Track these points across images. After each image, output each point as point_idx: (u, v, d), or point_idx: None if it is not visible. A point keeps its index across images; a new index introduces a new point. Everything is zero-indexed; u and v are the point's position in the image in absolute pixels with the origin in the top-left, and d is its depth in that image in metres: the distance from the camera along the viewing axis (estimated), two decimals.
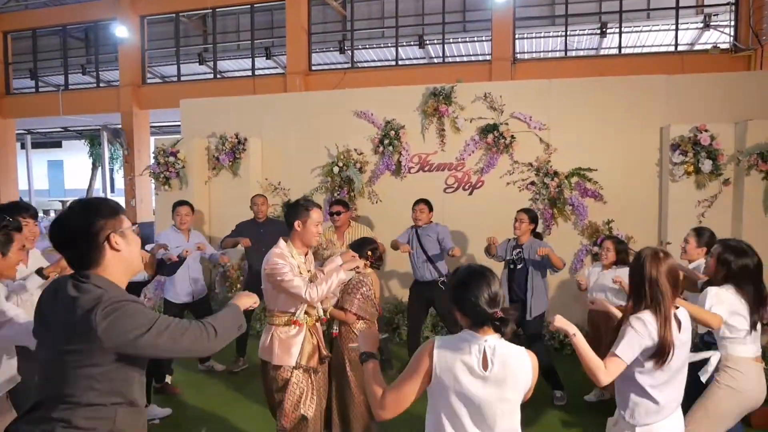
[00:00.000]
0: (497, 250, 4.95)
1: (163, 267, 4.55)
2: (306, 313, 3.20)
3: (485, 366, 1.85)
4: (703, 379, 2.98)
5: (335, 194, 6.60)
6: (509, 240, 4.91)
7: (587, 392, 4.68)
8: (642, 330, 2.30)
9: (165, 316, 1.79)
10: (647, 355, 2.31)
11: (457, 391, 1.85)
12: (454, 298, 1.95)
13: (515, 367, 1.88)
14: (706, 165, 5.37)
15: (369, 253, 3.91)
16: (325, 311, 3.65)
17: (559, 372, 4.60)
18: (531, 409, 4.47)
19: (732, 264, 2.97)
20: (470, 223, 6.22)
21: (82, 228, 1.76)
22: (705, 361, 3.05)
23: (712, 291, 2.96)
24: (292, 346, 3.12)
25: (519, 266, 4.74)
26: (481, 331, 1.89)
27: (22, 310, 2.47)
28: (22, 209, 3.14)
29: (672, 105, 5.83)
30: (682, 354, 2.37)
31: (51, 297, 1.80)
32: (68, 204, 1.87)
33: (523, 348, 1.94)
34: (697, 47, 11.81)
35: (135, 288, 4.52)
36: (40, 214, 19.48)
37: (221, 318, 1.96)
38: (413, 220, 5.32)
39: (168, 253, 4.58)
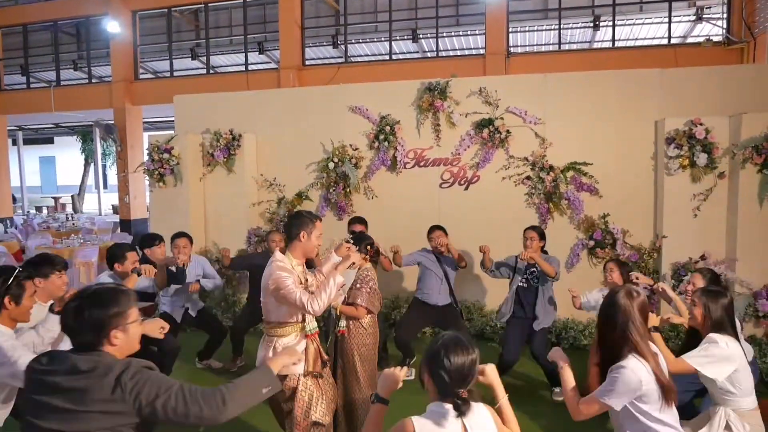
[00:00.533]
0: (493, 264, 4.97)
1: (172, 277, 4.62)
2: (310, 321, 3.22)
3: None
4: None
5: (331, 190, 6.58)
6: (517, 257, 4.85)
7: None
8: (632, 380, 2.28)
9: (182, 384, 1.87)
10: (645, 399, 2.30)
11: None
12: (427, 363, 1.94)
13: (488, 427, 1.93)
14: (702, 158, 5.38)
15: (368, 247, 3.91)
16: (335, 309, 3.66)
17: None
18: (531, 405, 4.50)
19: (715, 310, 2.87)
20: (466, 219, 6.22)
21: (90, 322, 1.86)
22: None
23: (718, 343, 2.79)
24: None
25: (534, 285, 4.78)
26: (449, 402, 1.89)
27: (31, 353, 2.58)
28: (56, 263, 3.33)
29: (666, 98, 5.83)
30: None
31: (57, 366, 1.84)
32: (86, 291, 1.96)
33: (480, 404, 1.97)
34: (689, 40, 11.83)
35: (146, 298, 4.56)
36: (33, 211, 19.36)
37: (242, 383, 2.04)
38: (434, 247, 5.19)
39: (170, 258, 4.72)
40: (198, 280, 5.21)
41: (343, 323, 3.75)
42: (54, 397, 1.78)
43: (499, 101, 6.17)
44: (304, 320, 3.21)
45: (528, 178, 6.15)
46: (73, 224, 13.51)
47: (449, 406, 1.87)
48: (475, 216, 6.18)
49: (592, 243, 5.92)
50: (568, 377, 2.36)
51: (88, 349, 1.86)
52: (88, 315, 1.85)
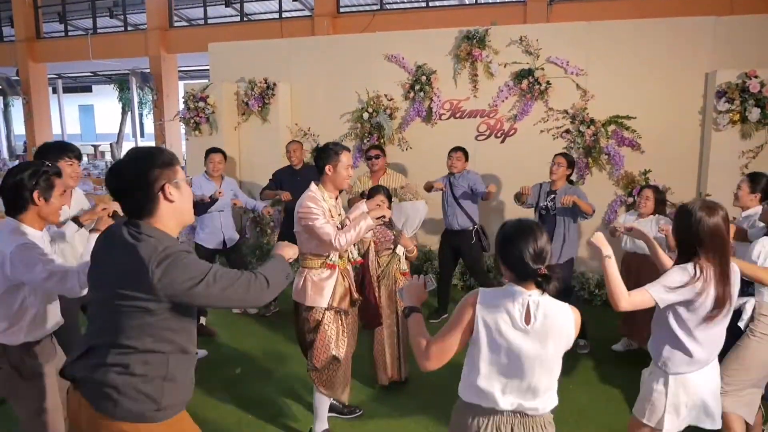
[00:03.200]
0: (527, 197, 4.83)
1: (196, 207, 4.66)
2: (339, 255, 3.24)
3: (528, 320, 1.85)
4: (742, 325, 2.92)
5: (365, 141, 6.53)
6: (541, 184, 4.80)
7: (615, 342, 4.69)
8: (686, 280, 2.25)
9: (219, 267, 1.81)
10: (690, 307, 2.28)
11: (498, 343, 1.86)
12: (500, 252, 1.94)
13: (558, 323, 1.88)
14: (754, 113, 5.12)
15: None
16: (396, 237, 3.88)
17: (589, 322, 4.60)
18: None
19: None
20: (502, 172, 6.12)
21: (138, 177, 1.77)
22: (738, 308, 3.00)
23: (763, 242, 2.86)
24: (324, 288, 3.18)
25: (552, 212, 4.65)
26: (525, 286, 1.89)
27: (61, 260, 2.51)
28: (66, 150, 3.13)
29: (719, 49, 5.52)
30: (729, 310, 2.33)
31: (108, 243, 1.83)
32: (127, 152, 1.89)
33: (566, 304, 1.93)
34: None
35: None
36: None
37: (271, 268, 1.96)
38: (448, 167, 5.25)
39: (201, 195, 4.71)
40: (235, 196, 5.38)
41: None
42: (103, 278, 1.79)
43: (539, 51, 5.95)
44: (339, 255, 3.24)
45: (567, 131, 5.97)
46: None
47: (520, 288, 1.88)
48: (511, 169, 6.07)
49: (630, 200, 5.76)
50: (612, 267, 2.32)
51: (140, 216, 1.78)
52: (135, 168, 1.77)
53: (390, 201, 3.99)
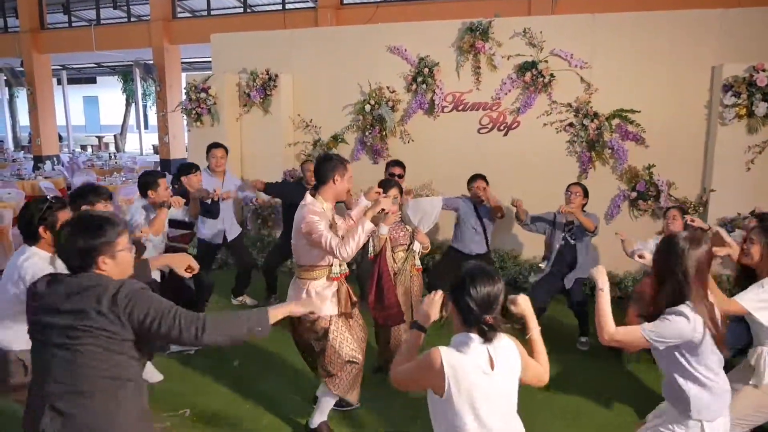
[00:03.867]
0: (527, 218, 4.86)
1: (205, 208, 4.75)
2: (339, 264, 3.25)
3: (492, 366, 1.87)
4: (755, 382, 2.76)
5: (366, 133, 6.49)
6: (556, 215, 4.77)
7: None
8: (685, 330, 2.17)
9: (172, 307, 1.97)
10: (691, 347, 2.21)
11: (474, 396, 1.85)
12: (452, 292, 1.92)
13: (511, 357, 1.93)
14: (761, 108, 5.05)
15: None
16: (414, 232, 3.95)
17: (592, 320, 4.55)
18: (556, 353, 4.49)
19: None
20: (504, 166, 6.06)
21: (78, 250, 1.96)
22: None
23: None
24: (328, 297, 3.20)
25: (573, 243, 4.67)
26: (474, 332, 1.88)
27: None
28: (100, 193, 3.35)
29: (726, 42, 5.44)
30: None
31: (55, 289, 1.95)
32: (75, 217, 2.09)
33: (505, 336, 1.95)
34: None
35: (183, 226, 4.67)
36: (78, 149, 19.91)
37: (230, 319, 2.09)
38: (473, 196, 5.12)
39: (202, 190, 4.73)
40: (236, 189, 5.36)
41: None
42: (56, 317, 1.90)
43: (543, 43, 5.88)
44: (339, 264, 3.25)
45: (570, 124, 5.92)
46: (116, 163, 13.87)
47: (475, 335, 1.88)
48: (514, 163, 6.02)
49: (634, 195, 5.71)
50: (606, 299, 2.30)
51: (80, 272, 1.98)
52: (74, 242, 1.96)
53: (402, 195, 4.00)
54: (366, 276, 4.19)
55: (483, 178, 5.13)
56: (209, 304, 5.25)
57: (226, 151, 5.31)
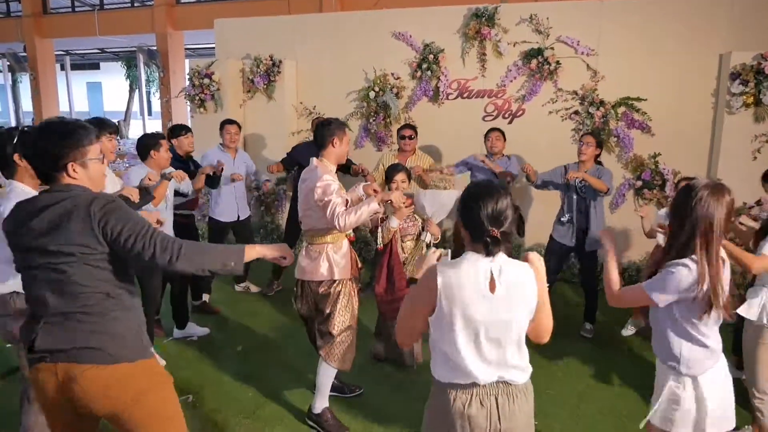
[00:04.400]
0: (538, 179, 4.74)
1: (208, 181, 4.75)
2: None
3: (492, 288, 1.79)
4: (754, 317, 2.86)
5: (371, 120, 6.46)
6: (566, 166, 4.65)
7: (621, 326, 4.67)
8: (687, 281, 2.09)
9: (150, 226, 1.92)
10: (690, 304, 2.13)
11: (467, 317, 1.79)
12: (460, 211, 1.89)
13: (521, 285, 1.83)
14: None
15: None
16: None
17: (599, 304, 4.56)
18: (560, 338, 4.49)
19: None
20: (509, 153, 6.02)
21: (46, 152, 1.90)
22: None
23: None
24: (344, 260, 3.25)
25: (583, 194, 4.54)
26: (480, 248, 1.83)
27: None
28: (105, 125, 3.24)
29: (734, 30, 5.37)
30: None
31: (33, 211, 1.90)
32: (45, 121, 1.99)
33: (525, 263, 1.88)
34: None
35: (184, 204, 4.67)
36: None
37: (208, 249, 2.01)
38: (488, 148, 5.17)
39: (211, 167, 4.74)
40: (247, 175, 5.41)
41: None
42: (35, 239, 1.87)
43: (550, 30, 5.82)
44: None
45: (576, 112, 5.87)
46: (120, 149, 13.86)
47: (476, 254, 1.83)
48: (519, 150, 5.96)
49: (639, 183, 5.68)
50: (613, 262, 2.29)
51: (50, 180, 1.93)
52: (42, 145, 1.89)
53: (409, 180, 3.96)
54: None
55: (499, 131, 5.17)
56: (212, 288, 5.29)
57: (239, 127, 5.36)
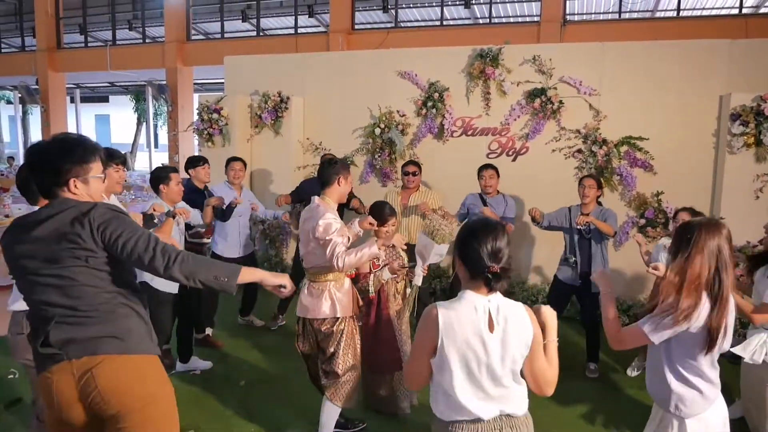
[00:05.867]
0: (544, 219, 4.72)
1: (217, 213, 4.79)
2: None
3: (491, 327, 1.83)
4: (760, 359, 2.84)
5: (376, 156, 6.54)
6: (570, 208, 4.69)
7: (626, 366, 4.62)
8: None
9: (149, 233, 1.96)
10: (688, 342, 2.13)
11: (468, 357, 1.83)
12: (458, 247, 1.93)
13: (517, 322, 1.87)
14: None
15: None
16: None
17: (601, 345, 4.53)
18: (563, 378, 4.45)
19: None
20: (513, 191, 6.05)
21: (50, 165, 1.94)
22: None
23: None
24: (346, 297, 3.26)
25: (587, 237, 4.56)
26: (479, 289, 1.87)
27: None
28: (113, 156, 3.27)
29: (734, 72, 5.49)
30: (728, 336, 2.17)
31: (34, 222, 1.93)
32: (51, 137, 2.04)
33: (520, 303, 1.92)
34: (763, 10, 11.08)
35: (195, 236, 4.73)
36: None
37: (204, 262, 2.02)
38: (482, 187, 5.18)
39: (218, 198, 4.80)
40: (252, 207, 5.43)
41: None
42: (34, 245, 1.90)
43: (552, 70, 5.95)
44: None
45: (579, 151, 5.95)
46: (126, 181, 13.96)
47: (475, 293, 1.87)
48: (522, 188, 6.04)
49: (643, 221, 5.71)
50: (611, 304, 2.28)
51: (50, 196, 1.97)
52: (47, 159, 1.94)
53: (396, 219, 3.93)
54: None
55: (493, 168, 5.14)
56: (215, 322, 5.28)
57: (245, 164, 5.42)
